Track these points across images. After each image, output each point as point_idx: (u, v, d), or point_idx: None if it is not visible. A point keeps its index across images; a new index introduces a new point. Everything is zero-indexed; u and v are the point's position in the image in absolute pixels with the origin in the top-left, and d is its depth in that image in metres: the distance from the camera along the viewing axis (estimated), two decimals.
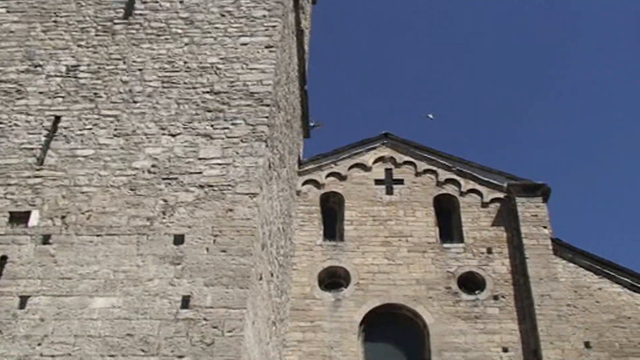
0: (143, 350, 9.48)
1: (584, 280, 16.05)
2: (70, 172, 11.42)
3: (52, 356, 9.49)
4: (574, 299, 15.72)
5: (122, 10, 13.65)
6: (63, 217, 10.87)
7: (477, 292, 15.80)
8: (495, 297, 15.62)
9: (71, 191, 11.18)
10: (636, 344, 15.12)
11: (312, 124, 19.57)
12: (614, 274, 16.15)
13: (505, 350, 14.86)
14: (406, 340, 15.42)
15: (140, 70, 12.72)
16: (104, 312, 9.85)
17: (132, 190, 11.12)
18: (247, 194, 10.98)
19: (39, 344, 9.59)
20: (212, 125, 11.93)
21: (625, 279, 16.06)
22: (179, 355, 9.41)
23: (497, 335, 15.07)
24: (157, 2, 13.75)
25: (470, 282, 15.96)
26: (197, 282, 10.06)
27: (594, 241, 38.66)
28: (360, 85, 42.71)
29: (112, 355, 9.46)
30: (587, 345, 15.10)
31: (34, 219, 10.89)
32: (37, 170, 11.47)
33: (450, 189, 17.54)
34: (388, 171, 17.88)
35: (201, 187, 11.09)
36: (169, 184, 11.15)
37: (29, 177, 11.38)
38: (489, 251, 16.33)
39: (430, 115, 19.52)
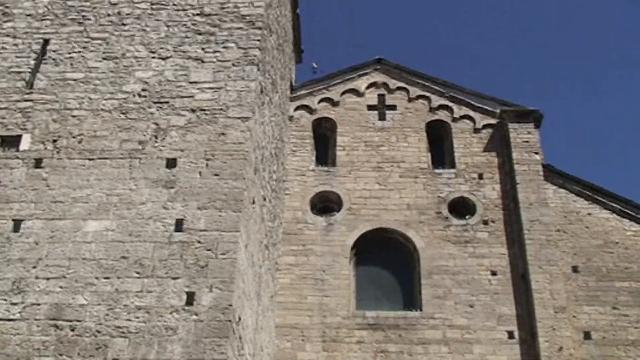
0: (138, 272, 9.60)
1: (573, 206, 16.21)
2: (61, 96, 11.32)
3: (47, 278, 9.60)
4: (563, 224, 15.91)
5: None
6: (54, 141, 10.83)
7: (467, 217, 15.97)
8: (485, 222, 15.81)
9: (62, 115, 11.11)
10: (622, 269, 15.39)
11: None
12: (603, 199, 16.30)
13: (493, 273, 15.13)
14: (397, 264, 15.67)
15: None
16: (97, 235, 9.93)
17: (123, 114, 11.06)
18: (239, 118, 10.94)
19: (34, 267, 9.69)
20: (202, 49, 11.79)
21: (615, 205, 16.23)
22: (173, 277, 9.54)
23: (486, 259, 15.31)
24: None
25: (461, 207, 16.12)
26: (190, 205, 10.11)
27: (584, 167, 38.92)
28: (354, 9, 42.07)
29: (107, 277, 9.58)
30: (574, 269, 15.36)
31: (25, 143, 10.86)
32: (27, 94, 11.37)
33: (442, 115, 17.51)
34: (381, 97, 17.79)
35: (193, 111, 11.03)
36: (160, 107, 11.08)
37: (18, 100, 11.29)
38: (480, 177, 16.44)
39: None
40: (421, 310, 14.80)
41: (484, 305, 14.77)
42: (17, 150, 10.76)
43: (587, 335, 14.61)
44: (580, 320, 14.72)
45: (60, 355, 9.05)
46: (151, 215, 10.06)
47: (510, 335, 14.44)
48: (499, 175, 16.44)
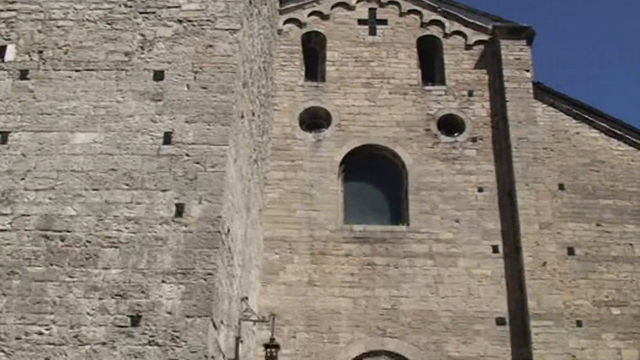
0: (127, 185, 9.65)
1: (562, 124, 16.26)
2: (45, 6, 11.07)
3: (36, 190, 9.63)
4: (551, 142, 16.00)
5: None
6: (40, 52, 10.67)
7: (456, 134, 16.01)
8: (474, 140, 15.87)
9: (47, 25, 10.90)
10: (608, 187, 15.59)
11: None
12: (592, 118, 16.35)
13: (480, 190, 15.29)
14: (385, 180, 15.79)
15: None
16: (85, 148, 9.91)
17: (108, 24, 10.86)
18: (227, 29, 10.77)
19: (22, 179, 9.70)
20: None
21: (603, 124, 16.29)
22: (162, 189, 9.59)
23: (474, 176, 15.45)
24: None
25: (450, 125, 16.14)
26: (179, 118, 10.07)
27: (574, 86, 38.76)
28: None
29: (95, 189, 9.62)
30: (560, 187, 15.54)
31: (10, 54, 10.68)
32: (10, 3, 11.10)
33: (434, 31, 17.30)
34: (372, 11, 17.50)
35: (180, 21, 10.84)
36: (147, 18, 10.88)
37: (1, 10, 11.03)
38: (470, 94, 16.39)
39: None
40: (408, 224, 15.02)
41: (469, 221, 14.99)
42: (3, 61, 10.60)
43: (570, 251, 14.91)
44: (564, 236, 14.99)
45: (51, 265, 9.17)
46: (139, 128, 10.03)
47: (495, 249, 14.72)
48: (489, 92, 16.40)
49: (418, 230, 14.90)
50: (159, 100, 10.23)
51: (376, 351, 13.91)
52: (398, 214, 15.40)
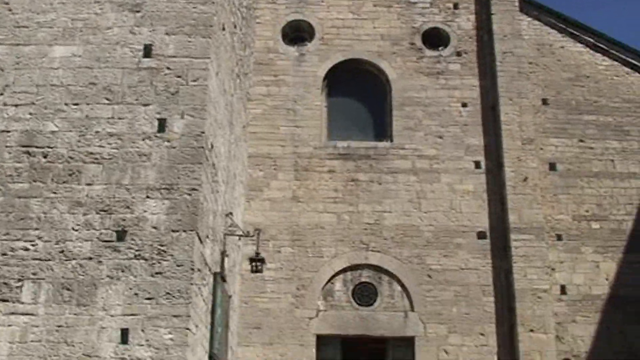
0: (107, 99, 9.50)
1: (547, 39, 16.10)
2: None
3: (16, 105, 9.48)
4: (536, 56, 15.87)
5: None
6: None
7: (440, 48, 15.82)
8: (459, 54, 15.70)
9: None
10: (592, 103, 15.57)
11: None
12: (577, 33, 16.18)
13: (464, 105, 15.24)
14: (369, 95, 15.67)
15: None
16: (64, 61, 9.70)
17: None
18: None
19: (1, 94, 9.53)
20: None
21: (588, 39, 16.15)
22: (144, 103, 9.45)
23: (458, 90, 15.37)
24: None
25: (435, 38, 15.91)
26: (159, 30, 9.84)
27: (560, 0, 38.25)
28: None
29: (76, 104, 9.47)
30: (544, 102, 15.52)
31: None
32: None
33: None
34: None
35: None
36: None
37: None
38: (455, 6, 16.11)
39: None
40: (392, 140, 15.01)
41: (453, 136, 15.00)
42: None
43: (552, 167, 15.02)
44: (546, 152, 15.07)
45: (34, 181, 9.11)
46: (118, 41, 9.80)
47: (477, 165, 14.79)
48: (474, 5, 16.13)
49: (402, 146, 14.90)
50: (138, 12, 9.96)
51: (359, 265, 14.12)
52: (382, 130, 15.36)
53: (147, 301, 8.53)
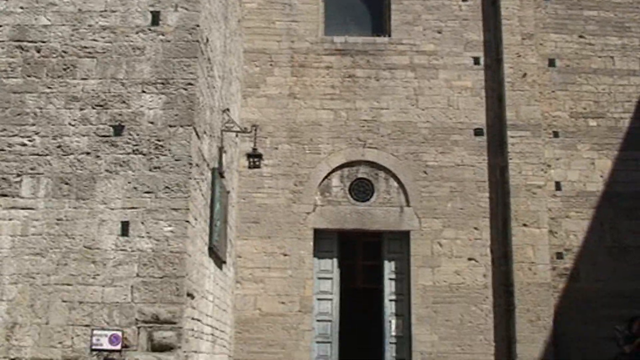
0: None
1: None
2: None
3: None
4: None
5: None
6: None
7: None
8: None
9: None
10: None
11: None
12: None
13: None
14: None
15: None
16: None
17: None
18: None
19: None
20: None
21: None
22: None
23: None
24: None
25: None
26: None
27: None
28: None
29: None
30: None
31: None
32: None
33: None
34: None
35: None
36: None
37: None
38: None
39: None
40: (389, 35, 14.81)
41: (452, 31, 14.79)
42: None
43: (551, 63, 14.88)
44: (546, 47, 14.89)
45: (29, 76, 9.03)
46: None
47: (476, 61, 14.66)
48: None
49: (400, 41, 14.71)
50: None
51: (356, 161, 14.22)
52: (379, 24, 15.12)
53: (147, 195, 8.63)
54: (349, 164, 14.21)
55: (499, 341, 13.47)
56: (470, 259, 13.76)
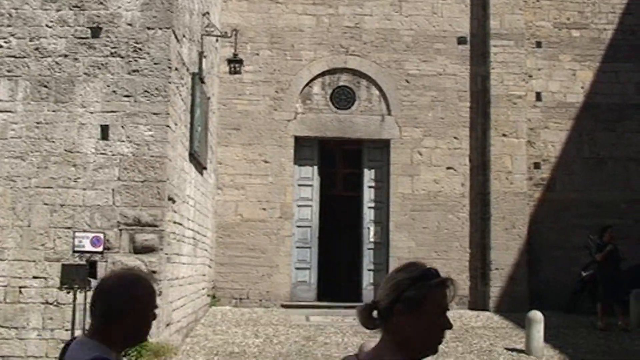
0: None
1: None
2: None
3: None
4: None
5: None
6: None
7: None
8: None
9: None
10: None
11: None
12: None
13: None
14: None
15: None
16: None
17: None
18: None
19: None
20: None
21: None
22: None
23: None
24: None
25: None
26: None
27: None
28: None
29: None
30: None
31: None
32: None
33: None
34: None
35: None
36: None
37: None
38: None
39: None
40: None
41: None
42: None
43: None
44: None
45: None
46: None
47: None
48: None
49: None
50: None
51: (338, 69, 14.12)
52: None
53: (126, 99, 8.58)
54: (331, 72, 14.11)
55: (474, 248, 13.79)
56: (449, 168, 13.92)
